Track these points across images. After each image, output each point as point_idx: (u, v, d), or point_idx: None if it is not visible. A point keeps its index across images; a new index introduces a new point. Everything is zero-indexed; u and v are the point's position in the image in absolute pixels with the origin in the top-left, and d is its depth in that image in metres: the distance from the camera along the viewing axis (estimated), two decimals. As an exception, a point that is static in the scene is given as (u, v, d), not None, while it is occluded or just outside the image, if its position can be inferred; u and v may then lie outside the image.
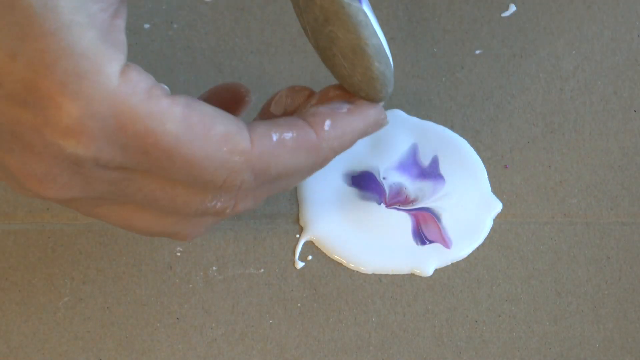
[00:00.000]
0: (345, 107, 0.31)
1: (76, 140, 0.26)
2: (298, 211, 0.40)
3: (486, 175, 0.41)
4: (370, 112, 0.32)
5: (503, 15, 0.44)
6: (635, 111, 0.42)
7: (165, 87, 0.28)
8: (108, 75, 0.26)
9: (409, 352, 0.38)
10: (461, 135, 0.42)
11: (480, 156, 0.41)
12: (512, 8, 0.45)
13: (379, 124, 0.32)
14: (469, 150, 0.41)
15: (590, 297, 0.39)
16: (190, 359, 0.37)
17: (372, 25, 0.30)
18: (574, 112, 0.42)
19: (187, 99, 0.28)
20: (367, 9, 0.30)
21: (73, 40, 0.25)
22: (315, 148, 0.30)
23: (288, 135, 0.29)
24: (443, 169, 0.41)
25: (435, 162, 0.41)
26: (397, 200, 0.40)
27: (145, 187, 0.28)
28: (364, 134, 0.32)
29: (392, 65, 0.31)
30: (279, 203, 0.40)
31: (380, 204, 0.39)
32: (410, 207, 0.40)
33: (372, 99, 0.31)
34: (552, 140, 0.42)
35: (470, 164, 0.41)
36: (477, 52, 0.43)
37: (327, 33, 0.30)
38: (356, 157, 0.41)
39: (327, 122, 0.30)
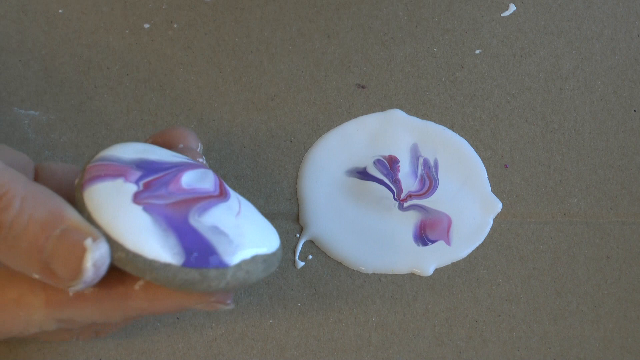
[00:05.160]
0: None
1: None
2: (298, 211, 0.40)
3: (486, 175, 0.41)
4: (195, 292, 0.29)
5: (503, 15, 0.44)
6: (635, 111, 0.42)
7: None
8: None
9: (409, 352, 0.38)
10: (461, 135, 0.42)
11: (480, 156, 0.41)
12: (512, 8, 0.45)
13: (211, 306, 0.30)
14: (469, 150, 0.41)
15: (590, 297, 0.39)
16: (190, 359, 0.37)
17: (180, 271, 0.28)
18: (574, 112, 0.42)
19: None
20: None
21: None
22: (122, 305, 0.29)
23: (88, 289, 0.29)
24: (443, 169, 0.41)
25: (435, 162, 0.41)
26: (410, 192, 0.40)
27: None
28: (189, 308, 0.30)
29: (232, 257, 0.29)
30: (279, 203, 0.40)
31: (395, 199, 0.40)
32: (424, 199, 0.40)
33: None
34: (552, 140, 0.42)
35: (470, 164, 0.41)
36: (477, 51, 0.43)
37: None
38: (356, 157, 0.41)
39: (140, 282, 0.29)
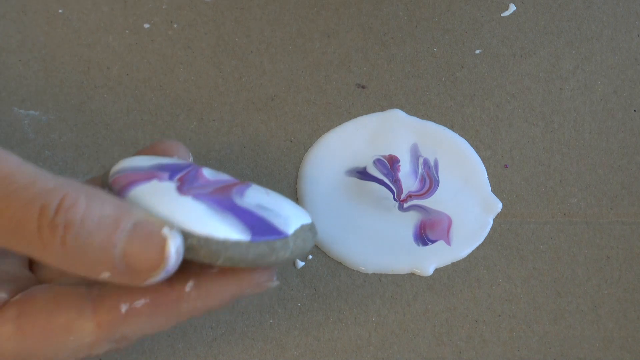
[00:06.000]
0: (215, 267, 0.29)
1: None
2: (298, 211, 0.40)
3: (486, 175, 0.41)
4: (246, 276, 0.29)
5: (503, 15, 0.44)
6: (635, 111, 0.42)
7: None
8: None
9: (409, 352, 0.38)
10: (461, 135, 0.42)
11: (480, 156, 0.41)
12: (512, 8, 0.45)
13: (261, 286, 0.30)
14: (468, 150, 0.41)
15: (590, 297, 0.39)
16: (190, 359, 0.37)
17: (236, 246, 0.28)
18: (574, 112, 0.42)
19: (17, 309, 0.28)
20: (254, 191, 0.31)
21: None
22: (175, 310, 0.29)
23: (140, 302, 0.28)
24: (443, 169, 0.41)
25: (435, 162, 0.41)
26: (411, 192, 0.40)
27: None
28: (240, 296, 0.29)
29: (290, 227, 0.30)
30: (279, 203, 0.40)
31: (395, 199, 0.40)
32: (424, 199, 0.40)
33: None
34: (552, 140, 0.42)
35: (470, 164, 0.41)
36: (477, 51, 0.43)
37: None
38: (356, 157, 0.41)
39: (190, 283, 0.29)
